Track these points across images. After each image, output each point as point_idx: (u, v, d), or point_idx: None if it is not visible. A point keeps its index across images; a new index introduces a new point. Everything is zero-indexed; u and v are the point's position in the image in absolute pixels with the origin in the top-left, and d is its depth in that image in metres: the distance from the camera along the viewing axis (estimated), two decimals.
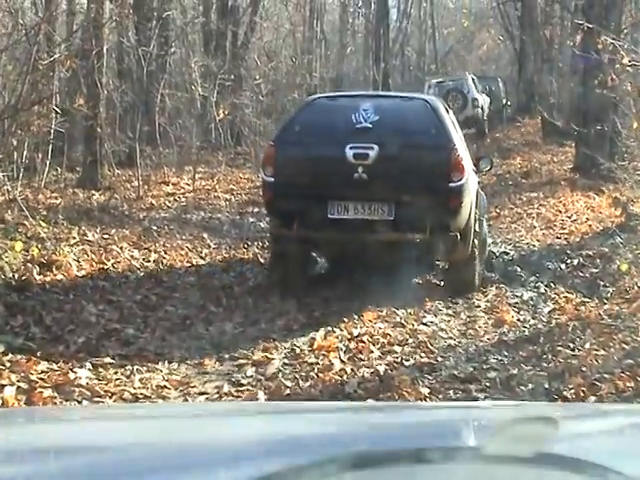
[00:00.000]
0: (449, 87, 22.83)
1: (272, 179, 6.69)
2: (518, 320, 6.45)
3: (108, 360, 5.02)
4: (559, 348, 5.36)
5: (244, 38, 19.04)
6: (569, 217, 11.50)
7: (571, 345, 5.42)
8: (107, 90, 12.64)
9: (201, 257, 8.81)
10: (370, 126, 6.65)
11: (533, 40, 22.33)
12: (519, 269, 8.37)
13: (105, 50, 12.29)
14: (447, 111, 7.46)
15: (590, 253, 8.98)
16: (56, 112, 9.25)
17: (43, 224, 7.88)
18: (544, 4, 22.37)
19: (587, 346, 5.38)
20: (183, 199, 11.91)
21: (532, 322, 6.43)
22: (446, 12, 39.79)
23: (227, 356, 5.32)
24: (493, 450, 1.11)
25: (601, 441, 1.47)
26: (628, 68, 11.19)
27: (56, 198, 10.67)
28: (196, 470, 1.21)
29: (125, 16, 14.87)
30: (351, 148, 6.50)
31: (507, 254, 9.35)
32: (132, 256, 8.27)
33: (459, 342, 5.78)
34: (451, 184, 6.52)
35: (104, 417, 1.81)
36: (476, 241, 7.06)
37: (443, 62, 34.55)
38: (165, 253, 8.64)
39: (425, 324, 6.22)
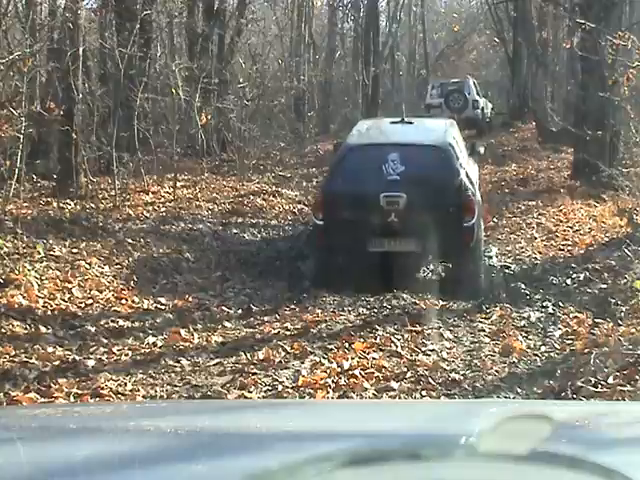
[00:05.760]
0: (451, 88, 23.28)
1: (322, 222, 7.98)
2: (528, 347, 5.80)
3: (59, 403, 4.31)
4: (579, 383, 4.69)
5: (230, 41, 18.39)
6: (571, 227, 10.92)
7: (592, 380, 4.75)
8: (83, 94, 11.94)
9: (178, 273, 8.12)
10: (398, 178, 7.91)
11: (528, 43, 21.76)
12: (523, 286, 7.77)
13: (81, 52, 11.62)
14: (455, 142, 8.52)
15: (597, 267, 8.42)
16: (20, 116, 8.51)
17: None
18: (538, 6, 21.77)
19: (611, 380, 4.71)
20: (163, 209, 11.19)
21: (544, 349, 5.78)
22: (436, 16, 39.23)
23: (198, 395, 4.64)
24: (489, 447, 1.11)
25: (597, 439, 1.46)
26: (632, 70, 10.67)
27: (28, 208, 9.98)
28: (193, 466, 1.21)
29: (103, 16, 14.24)
30: (385, 197, 7.78)
31: (508, 268, 8.81)
32: (102, 273, 7.59)
33: (464, 375, 5.10)
34: (465, 224, 7.79)
35: (106, 415, 1.84)
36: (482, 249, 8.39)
37: (434, 67, 34.00)
38: (139, 268, 7.94)
39: (425, 353, 5.54)
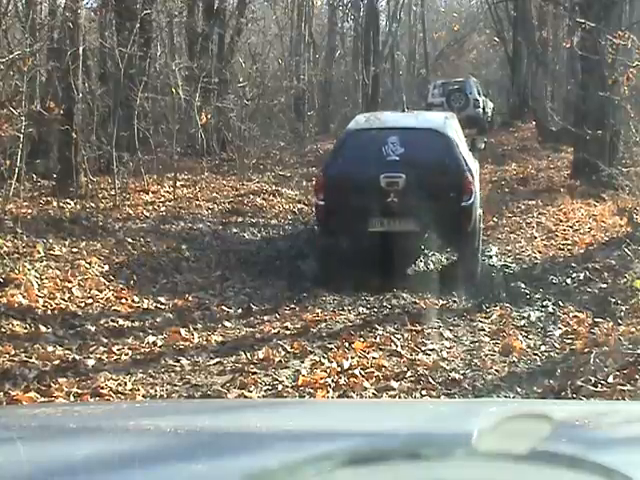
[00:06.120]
0: (452, 88, 23.53)
1: (323, 202, 8.20)
2: (528, 347, 5.79)
3: (59, 402, 4.31)
4: (579, 383, 4.69)
5: (230, 41, 18.38)
6: (571, 226, 10.91)
7: (592, 379, 4.75)
8: (83, 93, 11.93)
9: (178, 272, 8.12)
10: (397, 159, 8.10)
11: (528, 42, 21.75)
12: (523, 285, 7.77)
13: (81, 51, 11.62)
14: (452, 127, 8.73)
15: (597, 266, 8.41)
16: (20, 115, 8.50)
17: None
18: (538, 5, 21.76)
19: (611, 380, 4.71)
20: (162, 208, 11.19)
21: (544, 349, 5.78)
22: (436, 16, 39.20)
23: (198, 394, 4.64)
24: (488, 447, 1.11)
25: (597, 438, 1.46)
26: (632, 70, 10.66)
27: (27, 208, 9.98)
28: (193, 466, 1.21)
29: (103, 15, 14.24)
30: (384, 177, 7.96)
31: (508, 267, 8.81)
32: (102, 272, 7.58)
33: (464, 375, 5.10)
34: (463, 204, 7.98)
35: (108, 413, 1.84)
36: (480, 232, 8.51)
37: (434, 66, 33.99)
38: (138, 268, 7.94)
39: (424, 352, 5.54)
